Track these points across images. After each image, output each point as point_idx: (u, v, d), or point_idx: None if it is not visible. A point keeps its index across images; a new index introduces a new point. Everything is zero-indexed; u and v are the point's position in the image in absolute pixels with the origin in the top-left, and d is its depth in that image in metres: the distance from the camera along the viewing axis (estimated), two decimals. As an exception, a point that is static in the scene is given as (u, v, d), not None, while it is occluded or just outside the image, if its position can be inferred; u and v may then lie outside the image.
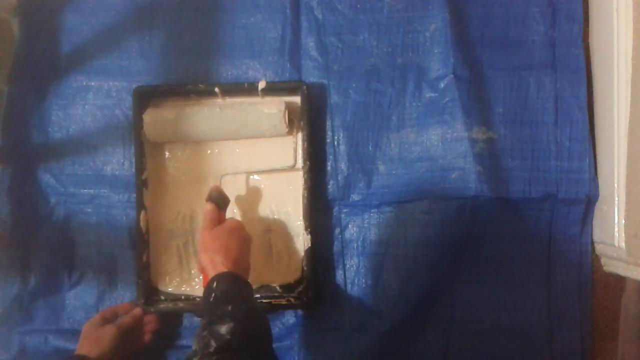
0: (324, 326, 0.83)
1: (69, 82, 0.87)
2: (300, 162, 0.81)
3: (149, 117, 0.80)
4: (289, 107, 0.80)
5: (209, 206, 0.74)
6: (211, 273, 0.66)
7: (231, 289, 0.63)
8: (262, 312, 0.65)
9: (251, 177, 0.85)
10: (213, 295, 0.63)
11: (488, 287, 0.81)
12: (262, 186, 0.84)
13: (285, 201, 0.83)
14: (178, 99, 0.84)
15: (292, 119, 0.81)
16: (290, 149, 0.83)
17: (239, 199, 0.84)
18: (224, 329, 0.58)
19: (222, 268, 0.65)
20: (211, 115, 0.80)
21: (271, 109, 0.79)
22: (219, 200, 0.76)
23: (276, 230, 0.83)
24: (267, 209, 0.84)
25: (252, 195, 0.84)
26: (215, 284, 0.64)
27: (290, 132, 0.81)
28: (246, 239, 0.72)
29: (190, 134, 0.81)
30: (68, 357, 0.70)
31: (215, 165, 0.85)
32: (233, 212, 0.84)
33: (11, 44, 0.87)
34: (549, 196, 0.80)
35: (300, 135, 0.80)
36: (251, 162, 0.85)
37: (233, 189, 0.83)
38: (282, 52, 0.86)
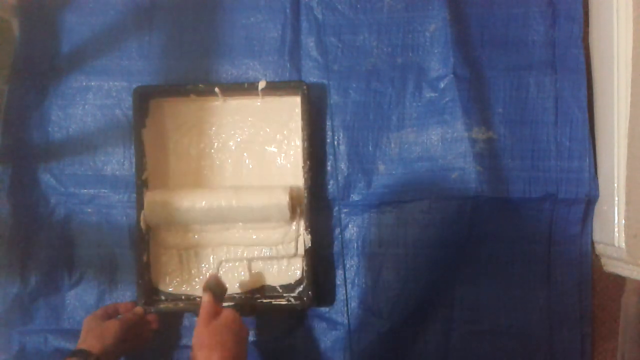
0: (324, 326, 0.83)
1: (69, 82, 0.87)
2: (301, 250, 0.80)
3: (149, 202, 0.79)
4: (293, 193, 0.79)
5: (206, 297, 0.71)
6: None
7: None
8: None
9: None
10: None
11: (488, 287, 0.81)
12: (262, 186, 0.85)
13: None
14: (178, 99, 0.84)
15: (295, 205, 0.80)
16: (292, 237, 0.82)
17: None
18: None
19: None
20: (213, 205, 0.79)
21: (276, 201, 0.77)
22: (217, 290, 0.73)
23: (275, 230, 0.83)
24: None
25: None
26: None
27: (293, 219, 0.81)
28: (243, 333, 0.70)
29: (191, 222, 0.80)
30: (70, 351, 0.70)
31: (216, 165, 0.85)
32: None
33: (11, 44, 0.87)
34: (549, 196, 0.80)
35: (302, 222, 0.80)
36: (252, 164, 0.84)
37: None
38: (282, 52, 0.86)
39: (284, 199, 0.77)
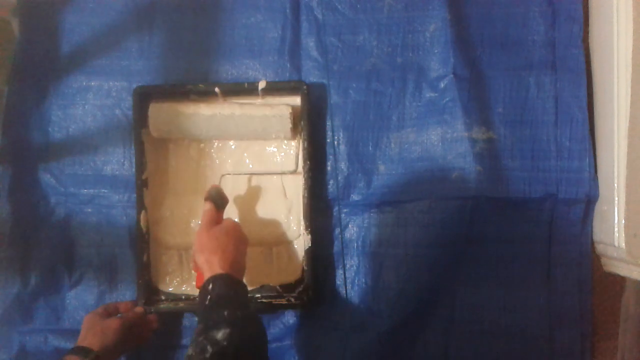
0: (324, 326, 0.83)
1: (69, 82, 0.87)
2: (301, 166, 0.81)
3: (153, 111, 0.80)
4: (294, 110, 0.80)
5: (207, 205, 0.73)
6: (207, 274, 0.66)
7: (227, 292, 0.63)
8: (257, 317, 0.66)
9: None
10: (209, 297, 0.63)
11: (488, 287, 0.81)
12: (262, 186, 0.84)
13: (284, 201, 0.84)
14: (178, 99, 0.84)
15: (296, 123, 0.81)
16: (292, 153, 0.83)
17: (238, 198, 0.84)
18: (220, 334, 0.58)
19: (218, 269, 0.65)
20: (216, 113, 0.80)
21: (278, 112, 0.79)
22: (218, 200, 0.75)
23: (275, 231, 0.83)
24: (266, 209, 0.84)
25: (252, 196, 0.84)
26: (211, 286, 0.64)
27: (294, 136, 0.81)
28: (243, 240, 0.72)
29: (194, 131, 0.81)
30: (70, 349, 0.70)
31: (216, 165, 0.85)
32: (232, 211, 0.84)
33: (11, 44, 0.87)
34: (549, 196, 0.80)
35: (302, 140, 0.80)
36: (252, 163, 0.85)
37: (233, 189, 0.84)
38: (282, 52, 0.86)
39: (286, 111, 0.78)
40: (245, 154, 0.85)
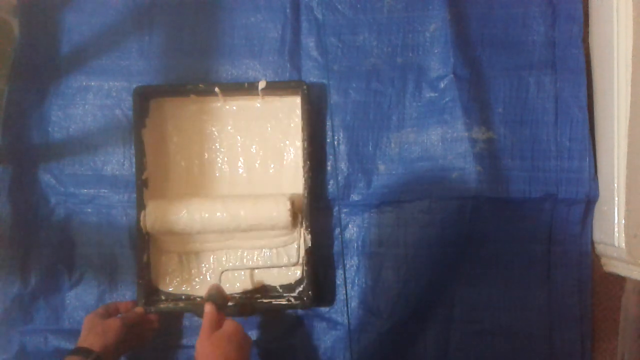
0: (324, 326, 0.83)
1: (69, 82, 0.87)
2: (302, 258, 0.79)
3: (151, 208, 0.79)
4: (293, 200, 0.79)
5: (208, 307, 0.70)
6: None
7: None
8: None
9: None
10: None
11: (488, 287, 0.81)
12: (261, 186, 0.84)
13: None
14: (178, 99, 0.84)
15: (296, 213, 0.80)
16: (294, 245, 0.82)
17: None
18: None
19: None
20: (213, 210, 0.78)
21: (276, 207, 0.77)
22: (219, 300, 0.72)
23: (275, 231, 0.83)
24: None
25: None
26: None
27: (294, 226, 0.80)
28: (246, 344, 0.69)
29: (191, 229, 0.79)
30: (71, 350, 0.69)
31: (216, 165, 0.85)
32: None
33: (11, 44, 0.87)
34: (549, 196, 0.80)
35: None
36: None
37: (232, 188, 0.83)
38: (282, 52, 0.86)
39: (285, 210, 0.77)
40: (246, 154, 0.85)
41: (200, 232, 0.80)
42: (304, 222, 0.79)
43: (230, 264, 0.83)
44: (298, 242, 0.81)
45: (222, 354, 0.65)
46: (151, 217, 0.79)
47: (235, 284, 0.82)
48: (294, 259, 0.82)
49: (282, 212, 0.77)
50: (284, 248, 0.82)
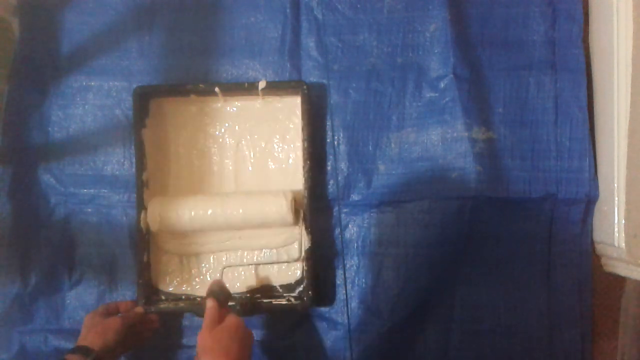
0: (324, 326, 0.83)
1: (69, 82, 0.87)
2: (304, 253, 0.79)
3: (153, 206, 0.79)
4: (294, 197, 0.79)
5: (209, 303, 0.70)
6: None
7: None
8: None
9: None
10: None
11: (488, 287, 0.81)
12: (263, 184, 0.84)
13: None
14: (178, 98, 0.84)
15: (298, 209, 0.79)
16: (295, 240, 0.82)
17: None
18: None
19: None
20: (215, 206, 0.78)
21: (277, 204, 0.77)
22: (221, 296, 0.72)
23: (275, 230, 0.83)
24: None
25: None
26: None
27: (295, 223, 0.80)
28: (247, 338, 0.69)
29: (194, 225, 0.79)
30: (71, 349, 0.69)
31: (216, 166, 0.85)
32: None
33: (11, 44, 0.87)
34: (549, 196, 0.80)
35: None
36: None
37: (234, 187, 0.83)
38: (282, 52, 0.86)
39: (285, 205, 0.77)
40: (246, 153, 0.85)
41: (202, 229, 0.80)
42: (304, 222, 0.79)
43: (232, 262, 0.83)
44: (299, 240, 0.81)
45: (223, 347, 0.65)
46: (154, 214, 0.78)
47: (236, 284, 0.82)
48: (295, 256, 0.81)
49: (283, 206, 0.77)
50: (285, 248, 0.82)
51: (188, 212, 0.78)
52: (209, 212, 0.78)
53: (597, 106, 0.82)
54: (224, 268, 0.80)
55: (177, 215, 0.78)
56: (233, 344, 0.66)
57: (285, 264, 0.83)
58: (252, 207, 0.78)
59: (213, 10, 0.87)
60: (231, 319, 0.69)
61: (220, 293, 0.73)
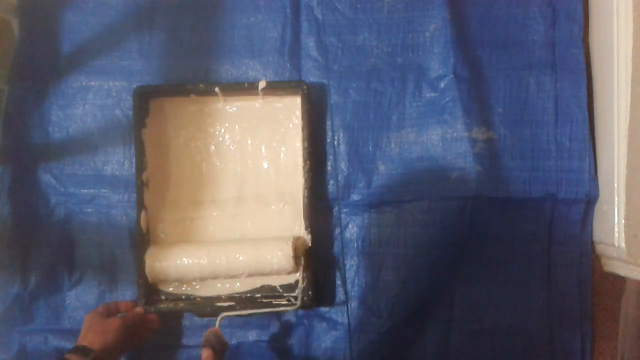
0: (324, 326, 0.83)
1: (69, 82, 0.87)
2: (304, 302, 0.78)
3: (149, 260, 0.78)
4: (296, 243, 0.78)
5: (205, 352, 0.68)
6: None
7: None
8: None
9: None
10: None
11: (488, 287, 0.81)
12: (261, 191, 0.84)
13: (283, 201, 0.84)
14: (178, 99, 0.84)
15: (298, 255, 0.79)
16: (295, 287, 0.80)
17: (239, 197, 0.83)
18: None
19: None
20: (213, 256, 0.78)
21: (278, 249, 0.77)
22: (217, 346, 0.71)
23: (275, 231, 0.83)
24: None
25: (251, 195, 0.84)
26: None
27: (295, 269, 0.79)
28: None
29: (193, 275, 0.79)
30: (70, 349, 0.69)
31: (216, 166, 0.85)
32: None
33: (11, 44, 0.87)
34: (549, 196, 0.80)
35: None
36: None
37: (234, 186, 0.83)
38: (282, 52, 0.86)
39: (286, 253, 0.76)
40: (245, 153, 0.85)
41: (202, 277, 0.79)
42: (306, 271, 0.78)
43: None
44: (301, 287, 0.79)
45: None
46: (151, 263, 0.78)
47: (236, 284, 0.82)
48: (297, 304, 0.77)
49: (283, 257, 0.76)
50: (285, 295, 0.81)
51: (186, 262, 0.78)
52: (205, 262, 0.77)
53: (597, 106, 0.82)
54: (221, 317, 0.77)
55: (174, 266, 0.78)
56: None
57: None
58: (251, 258, 0.77)
59: (213, 10, 0.87)
60: None
61: (217, 343, 0.71)
